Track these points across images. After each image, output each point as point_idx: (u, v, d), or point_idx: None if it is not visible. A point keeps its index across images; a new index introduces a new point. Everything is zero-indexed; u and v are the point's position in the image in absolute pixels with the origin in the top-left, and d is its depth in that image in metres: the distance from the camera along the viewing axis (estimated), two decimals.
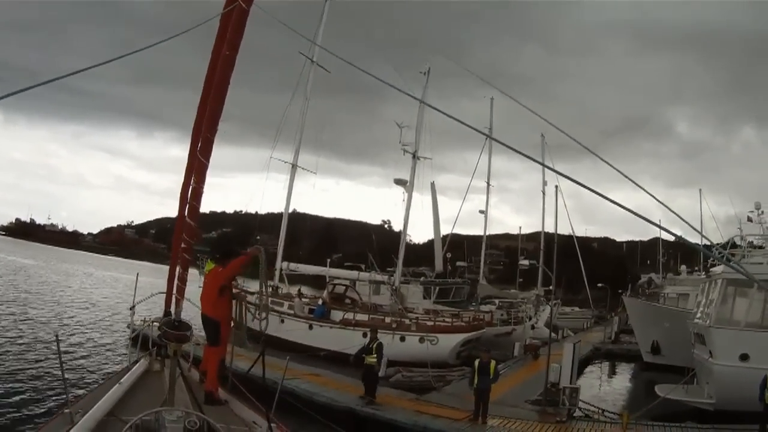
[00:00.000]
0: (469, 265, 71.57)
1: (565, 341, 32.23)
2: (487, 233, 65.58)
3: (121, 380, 8.81)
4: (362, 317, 35.86)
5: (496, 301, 53.07)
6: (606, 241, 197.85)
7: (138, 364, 10.25)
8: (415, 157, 43.85)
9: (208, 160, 7.95)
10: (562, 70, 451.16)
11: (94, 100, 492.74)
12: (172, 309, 9.98)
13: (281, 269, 45.75)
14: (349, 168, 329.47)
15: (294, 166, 45.90)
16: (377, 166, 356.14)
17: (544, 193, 69.08)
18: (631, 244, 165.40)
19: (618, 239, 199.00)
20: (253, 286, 46.83)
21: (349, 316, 36.45)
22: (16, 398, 19.51)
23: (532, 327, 45.67)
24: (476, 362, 20.14)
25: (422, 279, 47.22)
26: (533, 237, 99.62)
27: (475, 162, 59.13)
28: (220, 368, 10.29)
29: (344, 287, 43.39)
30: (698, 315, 29.19)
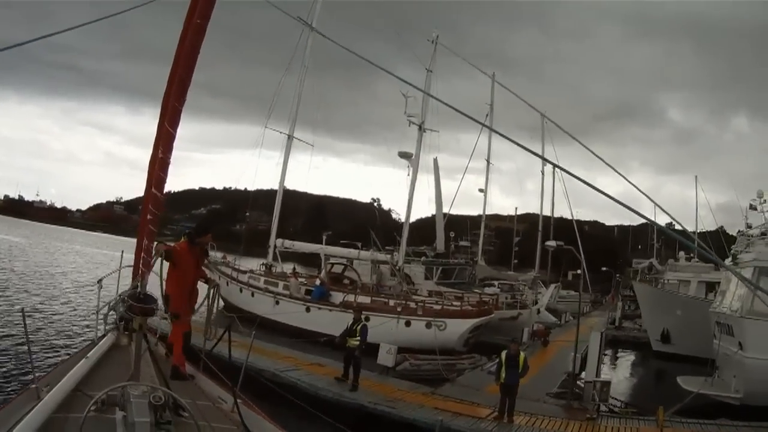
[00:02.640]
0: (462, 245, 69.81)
1: (586, 330, 30.14)
2: (477, 213, 64.11)
3: (88, 355, 8.52)
4: (364, 299, 33.35)
5: (495, 282, 51.15)
6: (596, 225, 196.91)
7: (105, 339, 9.83)
8: (421, 129, 41.30)
9: (175, 130, 7.83)
10: (557, 54, 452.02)
11: (84, 76, 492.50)
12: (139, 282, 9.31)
13: (275, 246, 43.44)
14: (337, 145, 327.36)
15: (290, 137, 43.60)
16: (366, 144, 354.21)
17: (543, 173, 67.50)
18: (622, 228, 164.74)
19: (607, 223, 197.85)
20: (246, 263, 44.91)
21: (350, 298, 33.87)
22: None
23: (538, 311, 43.65)
24: (503, 354, 17.97)
25: (423, 258, 44.97)
26: (524, 218, 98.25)
27: (467, 142, 57.24)
28: (184, 343, 10.14)
29: (342, 266, 41.11)
30: (725, 304, 27.48)
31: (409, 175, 42.17)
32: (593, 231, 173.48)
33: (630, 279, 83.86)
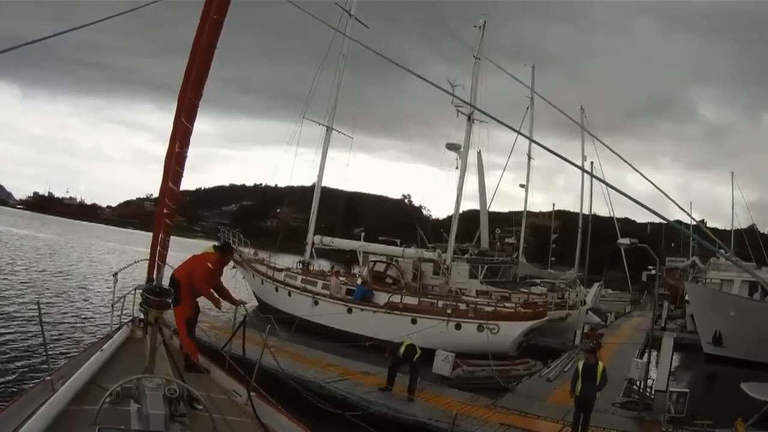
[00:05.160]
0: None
1: (661, 336, 27.81)
2: (508, 210, 62.92)
3: (103, 347, 8.85)
4: (411, 300, 31.56)
5: (537, 281, 49.52)
6: (627, 222, 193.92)
7: (120, 332, 10.27)
8: (470, 119, 39.57)
9: (192, 125, 7.64)
10: (590, 49, 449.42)
11: (113, 74, 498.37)
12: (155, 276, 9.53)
13: (313, 243, 42.08)
14: (368, 141, 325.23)
15: (329, 129, 41.96)
16: (395, 140, 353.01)
17: (583, 171, 66.01)
18: (655, 226, 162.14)
19: (638, 220, 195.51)
20: (284, 261, 43.57)
21: (396, 298, 31.85)
22: None
23: (587, 312, 41.81)
24: (580, 365, 16.32)
25: (467, 256, 43.22)
26: (556, 215, 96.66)
27: (499, 138, 55.18)
28: (188, 329, 10.62)
29: (385, 265, 38.96)
30: None
31: (457, 168, 40.74)
32: (625, 228, 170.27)
33: (665, 278, 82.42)
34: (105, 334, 11.53)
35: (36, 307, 9.84)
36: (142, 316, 10.03)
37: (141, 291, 8.55)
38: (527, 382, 22.85)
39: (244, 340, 10.15)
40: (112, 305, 12.17)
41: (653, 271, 34.40)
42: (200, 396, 6.24)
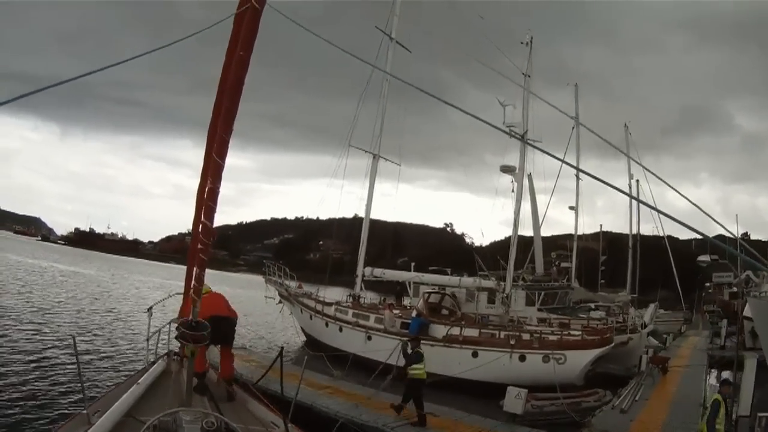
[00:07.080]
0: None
1: (745, 356, 26.09)
2: (550, 234, 61.77)
3: (139, 381, 8.92)
4: (471, 332, 30.08)
5: (592, 305, 48.17)
6: (671, 240, 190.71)
7: (156, 365, 10.40)
8: (524, 140, 38.16)
9: (223, 161, 7.96)
10: (625, 68, 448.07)
11: (151, 112, 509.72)
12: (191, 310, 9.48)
13: (363, 276, 40.97)
14: (405, 171, 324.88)
15: (376, 157, 40.89)
16: (436, 170, 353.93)
17: (630, 190, 64.83)
18: (699, 242, 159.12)
19: (681, 237, 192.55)
20: (330, 294, 42.75)
21: (455, 331, 30.30)
22: (35, 399, 19.53)
23: (648, 335, 40.24)
24: (721, 399, 14.81)
25: (521, 282, 41.88)
26: (595, 237, 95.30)
27: (538, 161, 52.90)
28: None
29: (440, 296, 37.13)
30: None
31: (513, 191, 39.38)
32: (670, 245, 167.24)
33: (715, 293, 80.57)
34: (141, 368, 11.61)
35: (71, 341, 10.51)
36: (177, 349, 10.62)
37: (176, 325, 8.49)
38: (601, 415, 21.39)
39: (282, 373, 10.40)
40: (147, 339, 12.44)
41: (734, 289, 32.94)
42: (238, 429, 6.34)
